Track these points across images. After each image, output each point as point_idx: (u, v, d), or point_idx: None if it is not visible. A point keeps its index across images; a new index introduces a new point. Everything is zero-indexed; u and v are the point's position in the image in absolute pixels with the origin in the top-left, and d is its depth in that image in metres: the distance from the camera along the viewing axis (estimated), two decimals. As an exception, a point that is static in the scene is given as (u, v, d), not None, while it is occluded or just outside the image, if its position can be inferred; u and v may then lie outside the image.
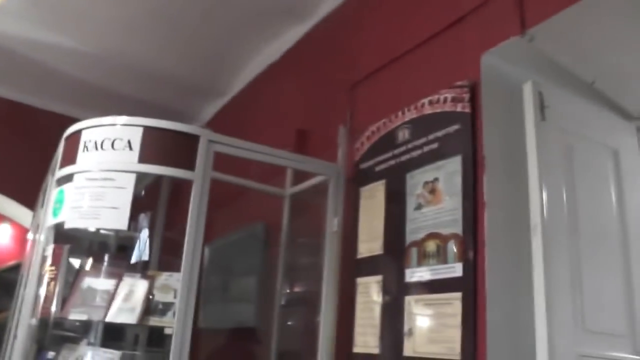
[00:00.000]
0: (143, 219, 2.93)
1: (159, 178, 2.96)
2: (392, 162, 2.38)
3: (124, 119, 2.34)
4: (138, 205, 2.30)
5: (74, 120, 2.59)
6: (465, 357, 1.86)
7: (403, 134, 2.35)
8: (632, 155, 2.34)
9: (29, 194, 5.07)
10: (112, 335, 2.80)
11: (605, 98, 2.32)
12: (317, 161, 2.64)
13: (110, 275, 2.38)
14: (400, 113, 2.39)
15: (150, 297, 2.21)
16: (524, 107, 2.01)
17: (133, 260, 2.80)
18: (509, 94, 2.05)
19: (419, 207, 2.18)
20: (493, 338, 1.81)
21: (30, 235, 4.84)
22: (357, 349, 2.36)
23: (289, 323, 2.89)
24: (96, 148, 2.33)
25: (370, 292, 2.35)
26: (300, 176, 2.94)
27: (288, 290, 2.94)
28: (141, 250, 2.82)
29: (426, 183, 2.17)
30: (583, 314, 1.94)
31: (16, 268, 8.47)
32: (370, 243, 2.40)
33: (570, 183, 2.05)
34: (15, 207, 5.84)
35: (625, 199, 2.25)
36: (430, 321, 2.03)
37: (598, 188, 2.21)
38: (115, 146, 2.29)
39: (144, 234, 2.84)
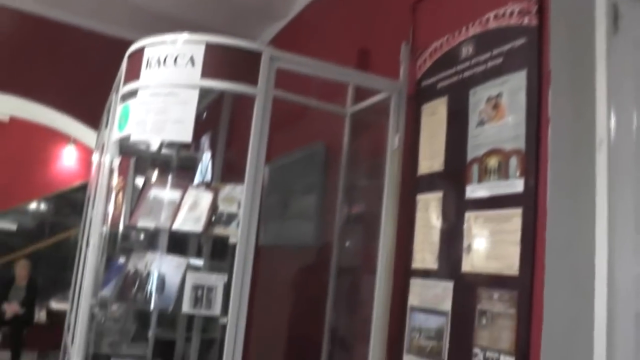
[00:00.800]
0: (205, 140, 3.00)
1: (220, 97, 3.01)
2: (455, 79, 2.34)
3: (185, 35, 2.36)
4: (200, 127, 2.34)
5: (132, 43, 2.63)
6: (523, 274, 1.87)
7: (467, 50, 2.30)
8: None
9: (93, 116, 5.23)
10: (177, 244, 2.93)
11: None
12: (379, 78, 2.61)
13: (175, 186, 2.46)
14: (464, 29, 2.33)
15: (215, 208, 2.28)
16: (595, 17, 1.93)
17: (196, 182, 2.89)
18: (580, 5, 1.97)
19: (481, 123, 2.16)
20: (552, 255, 1.82)
21: (95, 156, 5.01)
22: (416, 264, 2.40)
23: (349, 241, 2.94)
24: (159, 64, 2.37)
25: (430, 209, 2.36)
26: (360, 95, 2.92)
27: (348, 209, 2.96)
28: (204, 172, 2.91)
29: (489, 99, 2.13)
30: (647, 235, 1.90)
31: (82, 188, 8.86)
32: (431, 160, 2.40)
33: (641, 100, 1.98)
34: (80, 128, 6.02)
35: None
36: (489, 237, 2.04)
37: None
38: (177, 62, 2.32)
39: (206, 156, 2.92)
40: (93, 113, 5.22)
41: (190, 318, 3.46)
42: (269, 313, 3.61)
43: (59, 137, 8.79)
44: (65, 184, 9.16)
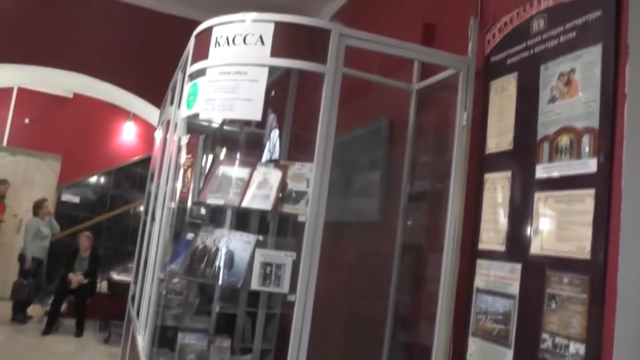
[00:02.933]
0: (272, 119, 3.02)
1: (287, 75, 3.03)
2: (525, 54, 2.29)
3: (253, 15, 2.38)
4: (267, 104, 2.36)
5: (195, 22, 2.67)
6: (595, 257, 1.82)
7: (538, 24, 2.24)
8: None
9: (155, 93, 5.34)
10: (242, 221, 2.97)
11: None
12: (446, 54, 2.58)
13: (244, 164, 2.50)
14: (535, 2, 2.27)
15: (284, 185, 2.31)
16: (679, -9, 1.86)
17: (263, 159, 2.92)
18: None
19: (552, 100, 2.11)
20: (627, 239, 1.77)
21: (158, 132, 5.12)
22: (483, 245, 2.37)
23: (414, 218, 2.93)
24: (228, 43, 2.39)
25: (498, 188, 2.33)
26: (426, 72, 2.90)
27: (413, 186, 2.95)
28: (271, 150, 2.93)
29: (561, 74, 2.08)
30: None
31: (142, 163, 9.09)
32: (499, 138, 2.36)
33: None
34: (141, 104, 6.15)
35: None
36: (559, 219, 1.99)
37: None
38: (247, 41, 2.34)
39: (274, 134, 2.94)
40: (154, 90, 5.34)
41: (252, 293, 3.52)
42: (331, 290, 3.65)
43: (119, 113, 9.01)
44: (125, 159, 9.39)
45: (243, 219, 3.00)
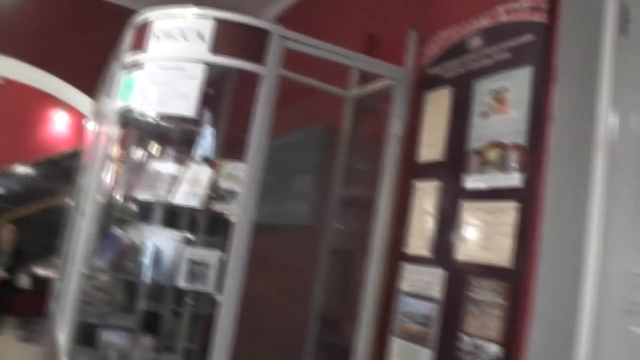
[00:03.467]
0: (207, 116, 3.00)
1: (224, 74, 3.01)
2: (461, 70, 2.36)
3: (194, 10, 2.36)
4: (203, 102, 2.34)
5: (132, 12, 2.62)
6: (515, 266, 1.90)
7: (475, 42, 2.31)
8: None
9: (88, 82, 5.20)
10: (172, 218, 2.93)
11: None
12: (384, 64, 2.63)
13: (176, 160, 2.47)
14: (473, 20, 2.34)
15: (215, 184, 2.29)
16: (604, 19, 1.95)
17: (197, 157, 2.89)
18: (591, 6, 1.99)
19: (484, 115, 2.18)
20: (546, 251, 1.86)
21: (90, 123, 4.99)
22: (410, 250, 2.43)
23: (344, 223, 2.97)
24: (167, 37, 2.37)
25: (427, 197, 2.39)
26: (365, 79, 2.94)
27: (344, 191, 3.00)
28: (205, 147, 2.91)
29: (494, 92, 2.15)
30: (642, 234, 1.94)
31: (73, 155, 8.83)
32: (431, 148, 2.42)
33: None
34: (75, 94, 5.98)
35: None
36: (483, 228, 2.07)
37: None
38: (186, 36, 2.32)
39: (209, 131, 2.92)
40: (88, 79, 5.19)
41: (180, 292, 3.49)
42: (261, 291, 3.65)
43: (51, 102, 8.72)
44: (55, 150, 9.11)
45: (175, 216, 2.96)
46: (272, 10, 4.76)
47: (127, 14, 2.64)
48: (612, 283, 1.84)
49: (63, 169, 9.00)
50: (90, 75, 4.78)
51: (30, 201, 8.88)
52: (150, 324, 3.58)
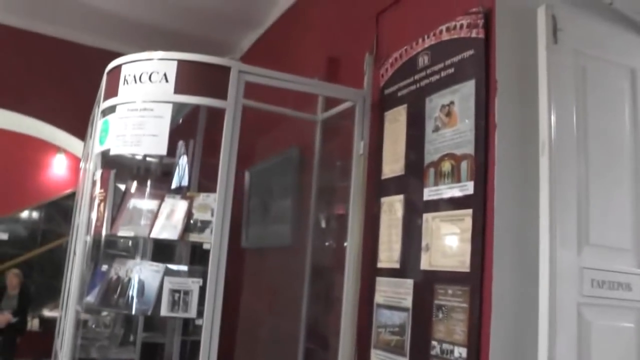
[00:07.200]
0: (182, 147, 3.14)
1: (196, 108, 3.14)
2: (413, 87, 2.49)
3: (159, 53, 2.50)
4: (178, 135, 2.46)
5: (118, 54, 2.76)
6: (473, 269, 2.01)
7: (423, 60, 2.45)
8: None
9: (81, 126, 5.33)
10: (159, 252, 3.05)
11: (623, 18, 2.35)
12: (343, 88, 2.77)
13: (153, 196, 2.60)
14: (420, 40, 2.48)
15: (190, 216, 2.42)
16: (537, 30, 2.08)
17: (173, 185, 3.03)
18: (523, 19, 2.12)
19: (436, 129, 2.30)
20: (499, 252, 1.97)
21: (82, 165, 5.13)
22: (381, 264, 2.54)
23: (321, 241, 3.08)
24: (135, 81, 2.50)
25: (393, 211, 2.51)
26: (331, 102, 3.06)
27: (321, 211, 3.11)
28: (181, 176, 3.04)
29: (443, 106, 2.28)
30: (588, 230, 2.04)
31: (72, 196, 8.94)
32: (393, 164, 2.54)
33: (582, 104, 2.12)
34: (68, 138, 6.12)
35: (640, 117, 2.31)
36: (445, 237, 2.18)
37: (612, 108, 2.25)
38: (152, 79, 2.46)
39: (183, 161, 3.05)
40: (79, 123, 5.33)
41: (181, 322, 3.58)
42: (252, 311, 3.76)
43: (49, 146, 8.89)
44: (56, 192, 9.26)
45: (158, 249, 3.08)
46: (245, 44, 4.94)
47: (112, 57, 2.76)
48: (565, 278, 1.96)
49: (64, 210, 9.13)
50: (82, 119, 4.92)
51: (35, 244, 9.01)
52: (152, 354, 3.69)
